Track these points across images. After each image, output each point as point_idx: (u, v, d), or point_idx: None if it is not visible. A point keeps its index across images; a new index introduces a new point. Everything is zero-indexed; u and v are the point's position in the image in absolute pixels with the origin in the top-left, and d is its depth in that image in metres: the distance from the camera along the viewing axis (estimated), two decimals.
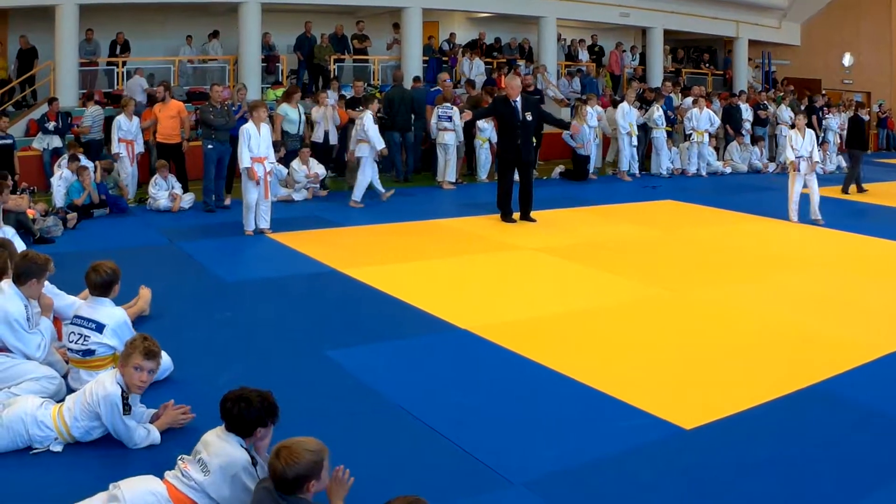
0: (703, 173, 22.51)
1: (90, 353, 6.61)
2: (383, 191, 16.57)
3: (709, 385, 7.46)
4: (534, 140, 15.51)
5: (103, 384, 5.72)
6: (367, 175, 16.12)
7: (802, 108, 26.95)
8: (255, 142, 12.85)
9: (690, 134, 22.47)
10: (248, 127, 12.86)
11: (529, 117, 14.83)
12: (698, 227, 15.05)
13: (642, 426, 6.49)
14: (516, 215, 14.82)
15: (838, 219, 16.04)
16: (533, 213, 14.87)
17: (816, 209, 15.31)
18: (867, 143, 21.20)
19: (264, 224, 13.19)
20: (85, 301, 6.98)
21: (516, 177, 14.88)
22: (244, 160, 12.68)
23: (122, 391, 5.69)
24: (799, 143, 15.34)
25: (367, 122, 15.62)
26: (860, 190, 20.10)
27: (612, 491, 5.49)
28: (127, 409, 5.71)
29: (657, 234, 14.13)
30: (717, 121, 23.29)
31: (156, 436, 5.85)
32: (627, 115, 21.45)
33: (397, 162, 19.90)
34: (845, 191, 20.01)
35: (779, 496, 5.45)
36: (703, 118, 22.34)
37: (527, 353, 8.00)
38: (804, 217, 15.19)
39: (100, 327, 6.60)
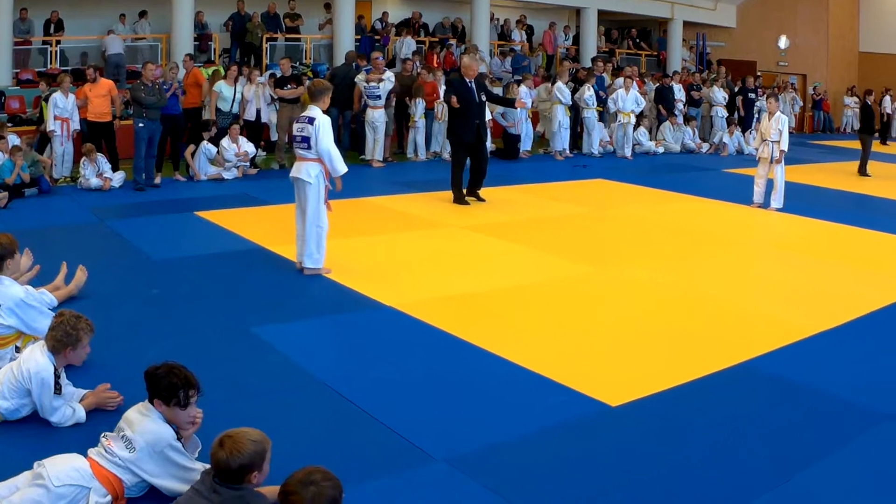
0: (628, 154, 22.66)
1: None
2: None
3: (636, 363, 7.51)
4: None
5: (35, 361, 5.71)
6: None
7: (736, 89, 27.28)
8: None
9: (616, 114, 22.65)
10: None
11: (483, 98, 14.94)
12: (629, 205, 15.25)
13: (568, 403, 6.53)
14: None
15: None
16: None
17: (778, 196, 15.11)
18: (874, 128, 21.74)
19: None
20: None
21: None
22: None
23: (55, 369, 5.72)
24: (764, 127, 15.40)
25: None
26: (862, 173, 20.75)
27: (537, 467, 5.51)
28: (58, 388, 5.73)
29: (587, 212, 14.30)
30: (643, 102, 23.48)
31: (81, 415, 5.84)
32: (563, 93, 21.64)
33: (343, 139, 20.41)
34: (863, 173, 20.78)
35: (709, 473, 5.52)
36: (629, 99, 22.53)
37: (453, 330, 8.05)
38: (767, 203, 15.24)
39: None
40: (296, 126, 10.05)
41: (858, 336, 8.39)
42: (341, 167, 9.91)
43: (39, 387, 5.66)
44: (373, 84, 19.25)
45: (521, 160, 21.01)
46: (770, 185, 15.21)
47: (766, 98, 16.49)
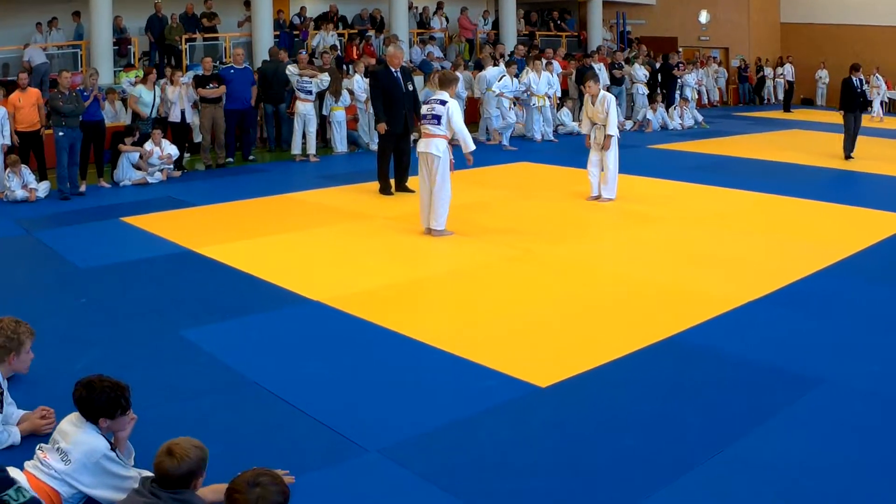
0: (551, 137, 22.75)
1: None
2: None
3: (564, 342, 7.62)
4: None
5: None
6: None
7: (657, 66, 27.65)
8: None
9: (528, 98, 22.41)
10: None
11: (410, 87, 15.00)
12: (552, 187, 15.39)
13: (498, 387, 6.59)
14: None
15: (692, 172, 16.75)
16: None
17: (610, 185, 14.03)
18: (855, 104, 19.62)
19: None
20: None
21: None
22: None
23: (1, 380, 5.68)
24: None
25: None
26: (847, 157, 19.16)
27: (469, 452, 5.58)
28: None
29: (510, 195, 14.43)
30: (557, 83, 23.54)
31: (16, 438, 5.76)
32: (492, 80, 21.70)
33: (270, 134, 20.68)
34: (848, 156, 19.10)
35: (644, 447, 5.60)
36: (542, 82, 22.42)
37: (381, 321, 8.13)
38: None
39: None
40: (426, 107, 11.88)
41: (784, 305, 8.58)
42: (472, 144, 11.87)
43: None
44: (305, 78, 19.29)
45: None
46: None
47: (584, 81, 14.65)
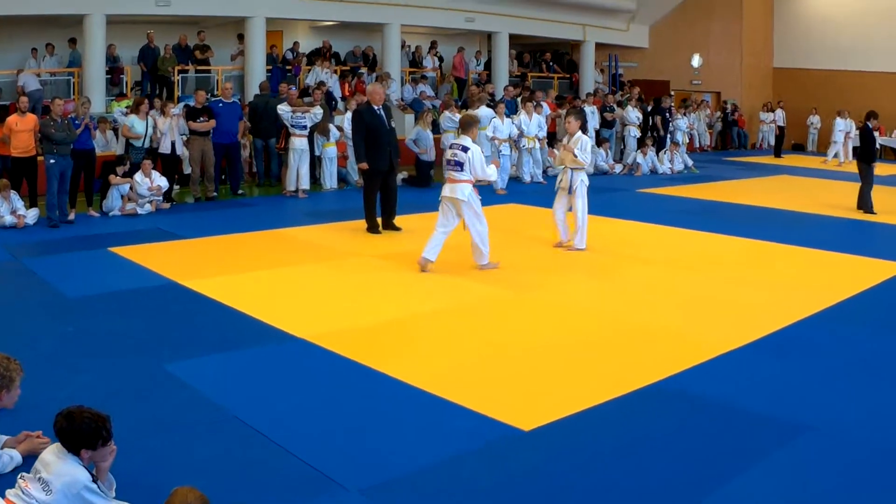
0: (540, 178, 22.66)
1: None
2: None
3: (549, 385, 7.59)
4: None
5: None
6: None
7: (649, 109, 27.78)
8: None
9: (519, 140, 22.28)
10: None
11: (393, 124, 15.08)
12: (540, 228, 15.26)
13: (480, 429, 6.56)
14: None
15: (681, 217, 16.81)
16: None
17: (580, 234, 13.43)
18: (874, 154, 18.77)
19: None
20: None
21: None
22: None
23: None
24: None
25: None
26: (867, 209, 18.15)
27: (449, 494, 5.54)
28: None
29: (499, 236, 14.43)
30: (545, 126, 23.49)
31: (19, 459, 5.76)
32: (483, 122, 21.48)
33: (259, 168, 20.88)
34: (870, 210, 18.04)
35: (625, 495, 5.55)
36: (533, 124, 22.50)
37: (364, 360, 8.07)
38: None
39: None
40: (448, 152, 12.04)
41: (771, 351, 8.55)
42: (496, 176, 12.57)
43: None
44: (299, 114, 19.25)
45: (433, 186, 21.08)
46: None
47: (566, 116, 14.27)
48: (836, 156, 30.50)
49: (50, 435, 5.20)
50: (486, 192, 19.12)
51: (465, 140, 11.97)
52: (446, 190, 11.96)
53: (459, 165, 11.75)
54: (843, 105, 31.39)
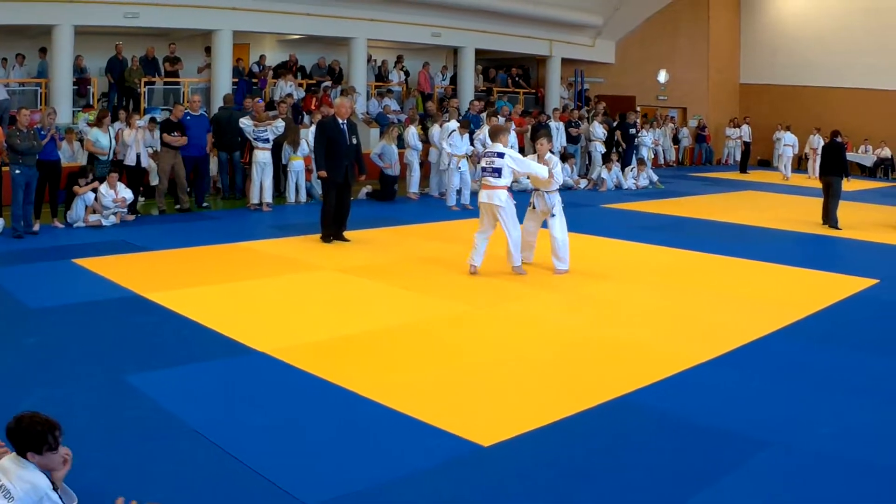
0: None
1: None
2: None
3: (510, 400, 7.58)
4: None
5: None
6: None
7: (614, 124, 27.94)
8: None
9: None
10: None
11: (354, 140, 15.24)
12: (499, 246, 15.22)
13: (439, 445, 6.54)
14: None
15: (645, 232, 17.01)
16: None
17: (562, 256, 13.06)
18: (844, 168, 19.12)
19: None
20: None
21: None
22: None
23: None
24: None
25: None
26: (832, 224, 18.45)
27: None
28: None
29: (462, 250, 14.51)
30: (515, 142, 23.17)
31: None
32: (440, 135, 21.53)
33: (224, 181, 20.96)
34: (834, 226, 18.31)
35: None
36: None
37: (325, 374, 8.08)
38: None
39: None
40: (485, 160, 12.72)
41: (734, 366, 8.65)
42: (544, 172, 12.68)
43: None
44: (261, 127, 19.32)
45: (397, 201, 21.36)
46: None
47: (537, 139, 13.58)
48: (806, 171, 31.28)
49: (8, 444, 5.22)
50: (440, 205, 19.21)
51: (498, 147, 12.70)
52: (483, 196, 12.66)
53: (497, 172, 12.44)
54: (812, 121, 31.77)
